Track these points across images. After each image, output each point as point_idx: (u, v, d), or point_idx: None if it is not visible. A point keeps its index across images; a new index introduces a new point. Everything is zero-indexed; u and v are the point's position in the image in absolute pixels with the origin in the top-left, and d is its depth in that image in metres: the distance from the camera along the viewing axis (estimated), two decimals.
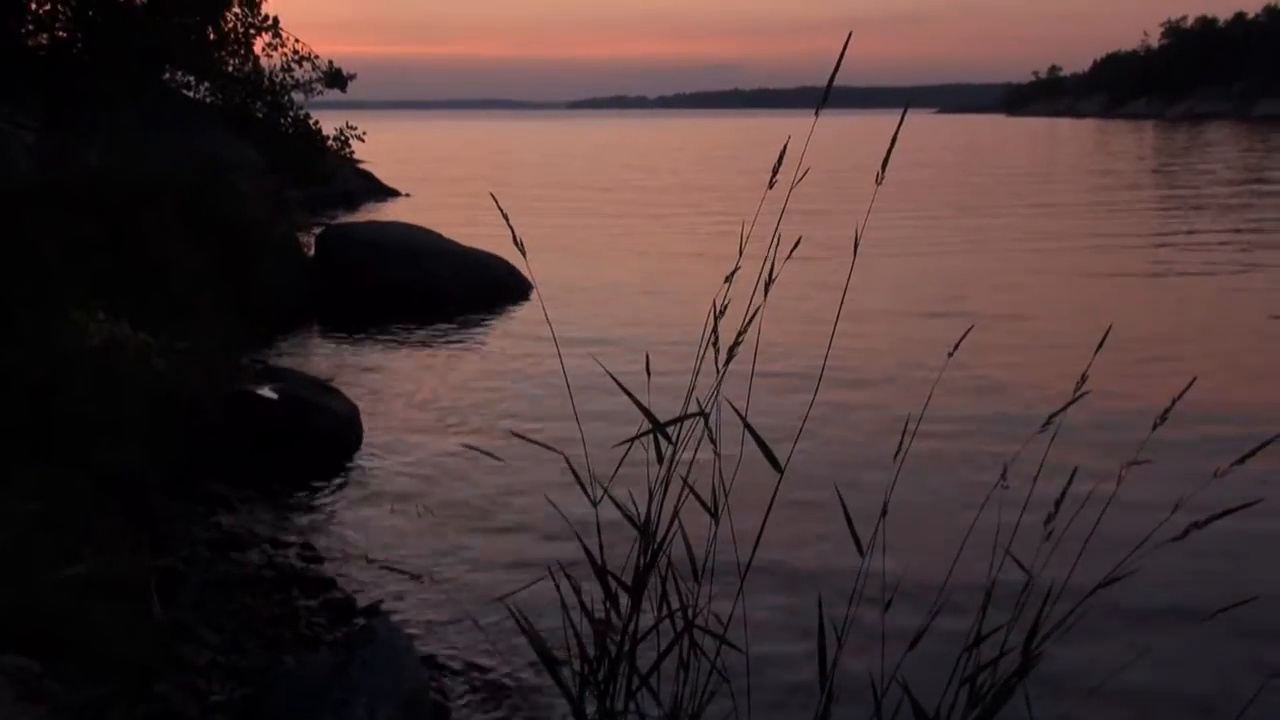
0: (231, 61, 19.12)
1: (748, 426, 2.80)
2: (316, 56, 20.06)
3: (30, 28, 17.53)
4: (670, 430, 2.92)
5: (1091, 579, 2.79)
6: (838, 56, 2.85)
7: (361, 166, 32.87)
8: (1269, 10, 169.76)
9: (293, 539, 6.72)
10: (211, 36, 18.45)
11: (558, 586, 3.00)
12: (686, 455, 2.95)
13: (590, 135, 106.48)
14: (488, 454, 6.26)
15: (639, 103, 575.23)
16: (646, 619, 2.98)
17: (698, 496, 2.91)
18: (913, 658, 2.88)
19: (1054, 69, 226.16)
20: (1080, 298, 14.93)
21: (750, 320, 2.83)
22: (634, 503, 2.97)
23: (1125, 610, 5.14)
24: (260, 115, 19.41)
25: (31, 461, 5.83)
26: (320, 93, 20.85)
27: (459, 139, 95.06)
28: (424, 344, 12.62)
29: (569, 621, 2.96)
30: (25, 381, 6.40)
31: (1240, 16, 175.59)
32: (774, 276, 2.81)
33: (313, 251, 15.61)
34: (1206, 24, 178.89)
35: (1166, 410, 2.77)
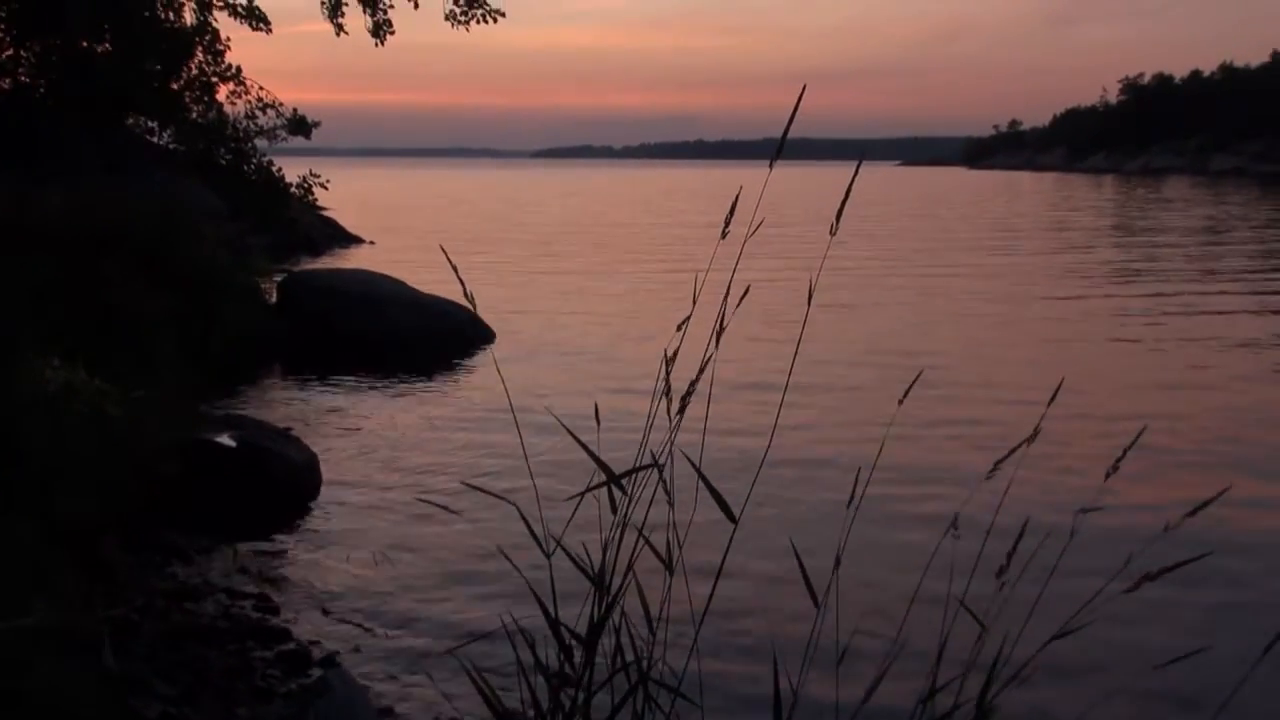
0: (195, 108, 19.12)
1: (701, 477, 2.79)
2: (280, 104, 20.09)
3: None
4: (625, 481, 2.91)
5: (1046, 629, 2.79)
6: (795, 109, 2.88)
7: (325, 213, 32.85)
8: (1224, 68, 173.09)
9: (249, 589, 6.65)
10: (174, 86, 18.46)
11: (511, 639, 2.97)
12: (641, 506, 2.94)
13: (556, 184, 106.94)
14: (441, 506, 6.23)
15: (605, 152, 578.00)
16: (601, 672, 2.95)
17: (652, 548, 2.89)
18: (868, 710, 2.86)
19: (1014, 123, 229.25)
20: (1037, 348, 15.07)
21: (703, 370, 2.84)
22: (588, 554, 2.96)
23: (1080, 660, 5.16)
24: (224, 162, 19.39)
25: None
26: (284, 139, 20.86)
27: (425, 186, 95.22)
28: (384, 392, 12.57)
29: (523, 674, 2.94)
30: None
31: (1196, 74, 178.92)
32: (724, 325, 2.82)
33: (275, 298, 15.55)
34: (1163, 81, 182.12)
35: (1118, 460, 2.78)
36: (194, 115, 19.20)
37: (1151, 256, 30.19)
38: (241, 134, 19.50)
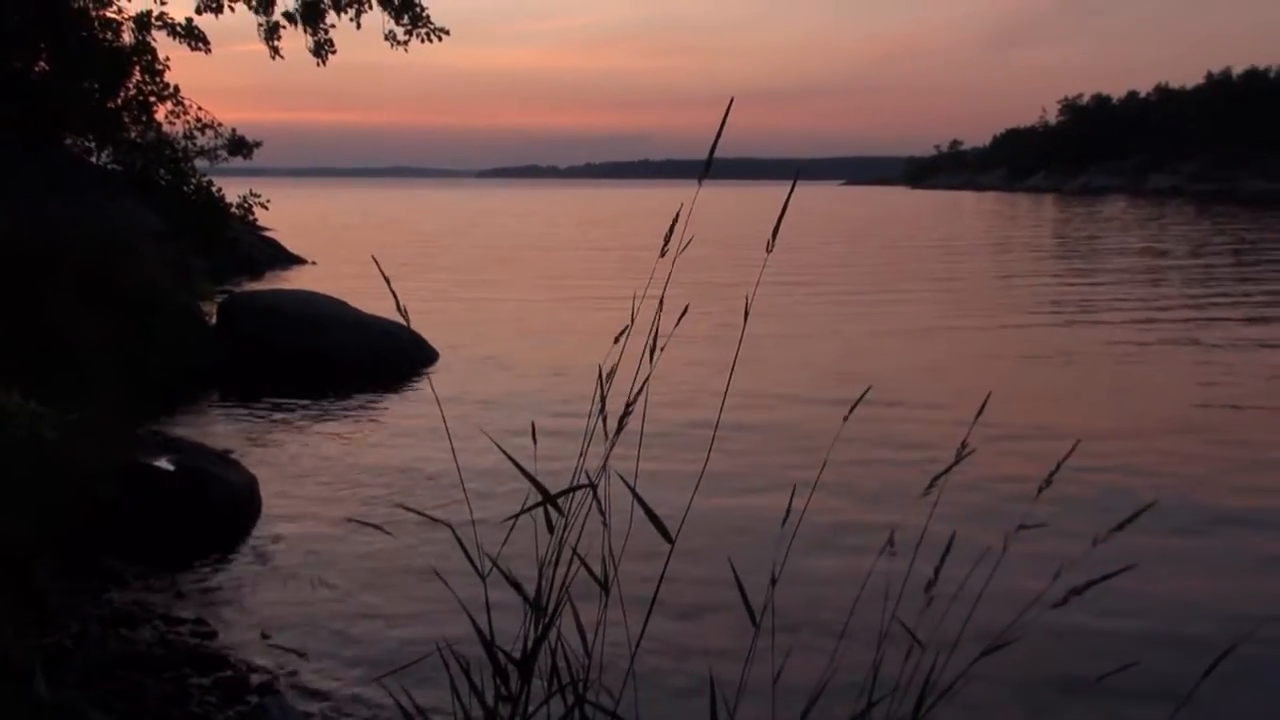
0: (133, 128, 18.90)
1: (636, 497, 2.79)
2: (219, 124, 19.90)
3: None
4: (562, 501, 2.90)
5: (980, 645, 2.82)
6: (736, 128, 2.89)
7: (267, 234, 32.55)
8: (1160, 89, 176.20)
9: (186, 615, 6.56)
10: (112, 105, 18.24)
11: (445, 663, 2.95)
12: (577, 526, 2.93)
13: (502, 204, 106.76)
14: (376, 527, 6.19)
15: (550, 172, 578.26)
16: (537, 694, 2.94)
17: (588, 568, 2.89)
18: None
19: (956, 143, 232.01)
20: (977, 367, 15.23)
21: (640, 389, 2.84)
22: (526, 576, 2.95)
23: (1010, 675, 5.20)
24: (163, 182, 19.18)
25: None
26: (225, 159, 20.67)
27: (369, 206, 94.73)
28: (325, 413, 12.47)
29: (457, 697, 2.92)
30: None
31: (1133, 95, 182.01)
32: (658, 343, 2.83)
33: (215, 319, 15.40)
34: (1101, 101, 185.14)
35: (1051, 474, 2.82)
36: (132, 135, 18.97)
37: (1091, 275, 30.62)
38: (181, 154, 19.28)
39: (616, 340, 2.93)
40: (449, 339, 16.39)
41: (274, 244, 33.34)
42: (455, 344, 16.28)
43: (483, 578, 2.91)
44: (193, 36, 18.79)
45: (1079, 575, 2.65)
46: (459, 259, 35.32)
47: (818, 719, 2.91)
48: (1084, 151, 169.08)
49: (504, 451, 3.00)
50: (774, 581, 2.89)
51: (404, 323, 3.14)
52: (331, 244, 40.45)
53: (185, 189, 19.40)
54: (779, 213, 2.86)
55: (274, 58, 19.04)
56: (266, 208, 23.55)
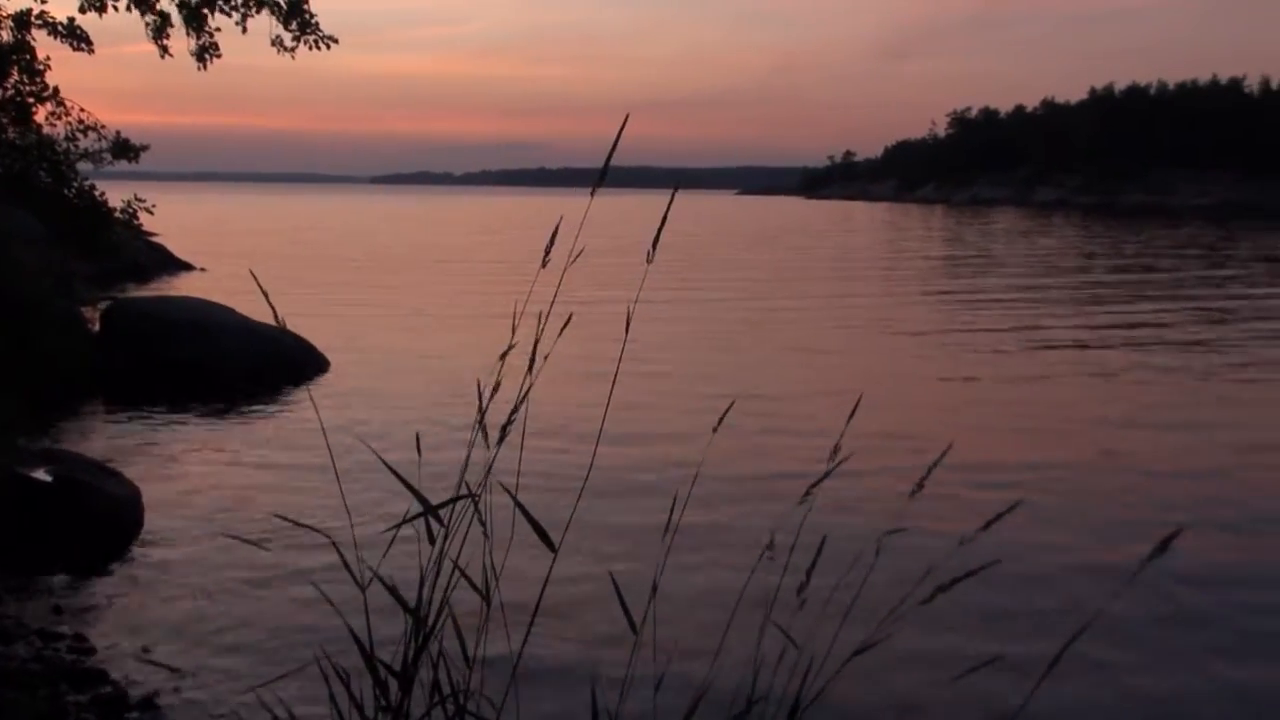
0: (11, 130, 18.35)
1: (519, 506, 2.80)
2: (103, 126, 19.39)
3: None
4: (443, 512, 2.90)
5: (854, 644, 2.88)
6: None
7: (154, 239, 31.82)
8: (1046, 104, 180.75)
9: (64, 630, 6.40)
10: None
11: (325, 674, 2.93)
12: (460, 537, 2.93)
13: (394, 211, 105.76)
14: (254, 543, 6.10)
15: (444, 179, 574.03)
16: (418, 704, 2.93)
17: (468, 579, 2.89)
18: None
19: (848, 154, 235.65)
20: (851, 370, 15.50)
21: (522, 400, 2.85)
22: (406, 586, 2.94)
23: (884, 672, 5.32)
24: (43, 185, 18.64)
25: None
26: (110, 163, 20.17)
27: (259, 211, 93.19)
28: (211, 423, 12.25)
29: (336, 709, 2.90)
30: None
31: (1020, 109, 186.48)
32: (539, 354, 2.84)
33: (98, 327, 15.03)
34: (989, 115, 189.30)
35: (922, 479, 2.89)
36: (10, 136, 18.41)
37: (977, 286, 31.30)
38: (62, 156, 18.75)
39: (502, 357, 2.94)
40: (340, 347, 16.20)
41: (161, 250, 32.63)
42: (346, 352, 16.10)
43: (362, 589, 2.90)
44: (75, 36, 18.29)
45: (947, 574, 2.72)
46: (351, 267, 34.94)
47: None
48: (972, 164, 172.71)
49: (384, 462, 2.99)
50: (655, 589, 2.91)
51: (302, 335, 3.11)
52: (221, 250, 39.71)
53: (66, 192, 18.90)
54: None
55: (163, 56, 18.60)
56: (151, 212, 23.02)
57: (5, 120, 18.01)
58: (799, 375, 15.38)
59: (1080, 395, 14.16)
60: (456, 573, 2.88)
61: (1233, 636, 6.43)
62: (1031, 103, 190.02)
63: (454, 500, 2.85)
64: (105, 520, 8.01)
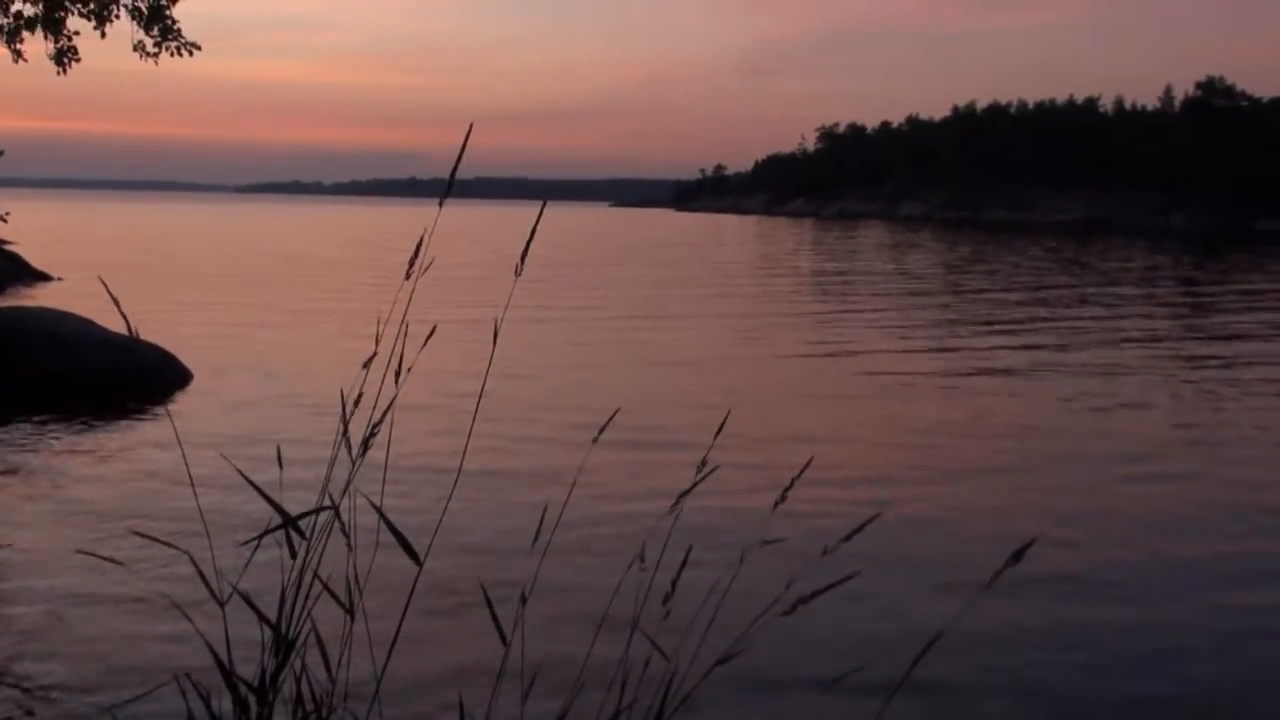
0: None
1: (383, 518, 2.78)
2: None
3: None
4: (305, 526, 2.86)
5: (718, 653, 2.92)
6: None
7: (9, 248, 30.79)
8: (911, 120, 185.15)
9: None
10: None
11: (183, 692, 2.87)
12: (324, 550, 2.89)
13: (263, 221, 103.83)
14: (107, 558, 5.93)
15: (314, 189, 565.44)
16: None
17: (331, 593, 2.86)
18: None
19: (720, 167, 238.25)
20: (721, 385, 15.67)
21: (385, 412, 2.84)
22: (268, 601, 2.89)
23: (747, 680, 5.39)
24: None
25: None
26: None
27: (121, 220, 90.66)
28: (64, 436, 11.85)
29: None
30: None
31: (886, 125, 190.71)
32: (404, 365, 2.83)
33: None
34: (857, 131, 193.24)
35: (785, 491, 2.95)
36: None
37: (845, 296, 31.90)
38: None
39: (365, 366, 2.92)
40: (204, 359, 15.83)
41: (16, 259, 31.55)
42: (210, 364, 15.73)
43: (221, 604, 2.85)
44: None
45: (809, 584, 2.78)
46: (216, 277, 34.20)
47: None
48: (841, 179, 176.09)
49: (243, 475, 2.94)
50: (524, 600, 2.92)
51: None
52: (80, 259, 38.50)
53: None
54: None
55: (16, 61, 18.03)
56: (5, 220, 22.27)
57: None
58: (670, 389, 15.50)
59: (947, 407, 14.52)
60: (314, 586, 2.85)
61: (1087, 649, 6.65)
62: (897, 119, 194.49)
63: (315, 512, 2.82)
64: None
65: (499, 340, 2.97)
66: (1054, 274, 43.83)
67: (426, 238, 2.80)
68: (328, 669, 2.87)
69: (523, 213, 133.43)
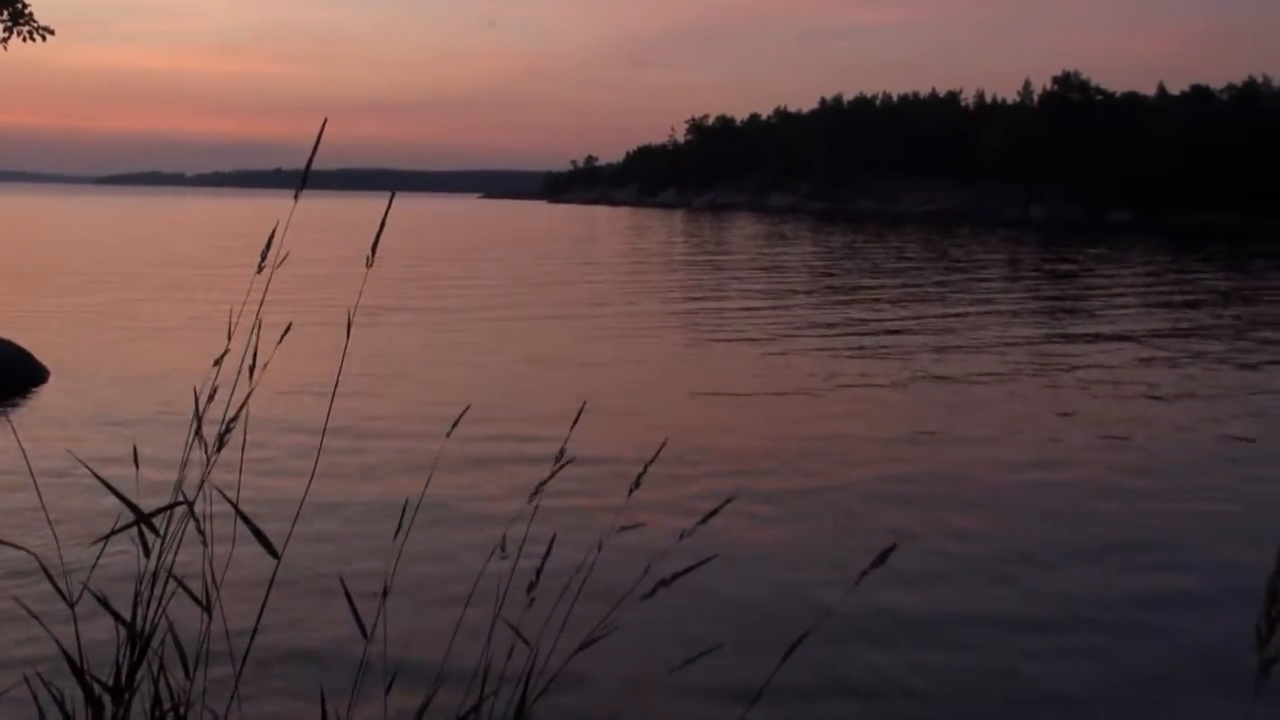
0: None
1: (239, 513, 2.75)
2: None
3: None
4: (159, 522, 2.82)
5: (580, 639, 2.95)
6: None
7: None
8: (779, 113, 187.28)
9: None
10: None
11: (34, 693, 2.81)
12: (181, 548, 2.86)
13: (122, 213, 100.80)
14: None
15: (176, 179, 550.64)
16: None
17: (187, 590, 2.82)
18: None
19: (590, 159, 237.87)
20: (583, 377, 15.75)
21: (241, 407, 2.81)
22: (122, 600, 2.84)
23: (609, 667, 5.46)
24: None
25: None
26: None
27: None
28: None
29: None
30: None
31: (755, 117, 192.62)
32: (257, 360, 2.81)
33: None
34: (726, 123, 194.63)
35: (640, 476, 2.99)
36: None
37: (717, 291, 32.20)
38: None
39: (217, 363, 2.89)
40: (60, 356, 15.36)
41: None
42: (66, 362, 15.27)
43: (71, 604, 2.79)
44: None
45: (669, 567, 2.83)
46: (71, 272, 33.13)
47: None
48: (711, 170, 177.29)
49: (93, 472, 2.89)
50: (385, 593, 2.91)
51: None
52: None
53: None
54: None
55: None
56: None
57: None
58: (532, 380, 15.52)
59: (806, 396, 14.79)
60: (168, 582, 2.81)
61: (944, 643, 6.85)
62: (766, 111, 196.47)
63: (168, 508, 2.78)
64: None
65: (365, 337, 2.96)
66: (931, 264, 44.85)
67: (280, 231, 2.78)
68: (185, 667, 2.83)
69: (394, 205, 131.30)
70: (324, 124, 2.78)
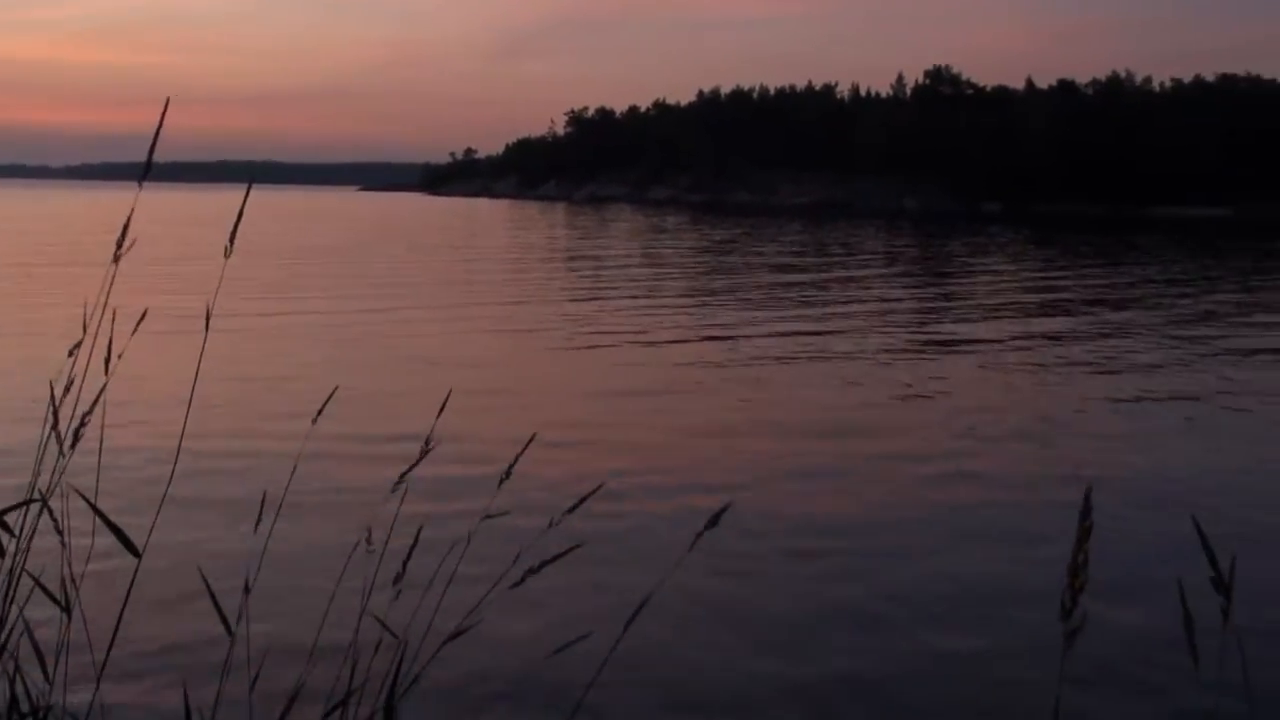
0: None
1: (96, 510, 2.71)
2: None
3: None
4: (13, 522, 2.75)
5: (449, 630, 2.96)
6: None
7: None
8: (658, 105, 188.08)
9: None
10: None
11: None
12: (35, 548, 2.79)
13: None
14: None
15: (40, 172, 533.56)
16: None
17: (45, 590, 2.76)
18: None
19: (470, 151, 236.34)
20: (457, 370, 15.68)
21: (96, 400, 2.76)
22: None
23: (478, 655, 5.46)
24: None
25: None
26: None
27: None
28: None
29: None
30: None
31: (635, 109, 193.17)
32: (115, 352, 2.76)
33: None
34: (605, 115, 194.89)
35: (510, 466, 3.01)
36: None
37: (597, 279, 32.26)
38: None
39: (71, 354, 2.83)
40: None
41: None
42: None
43: None
44: None
45: (537, 556, 2.85)
46: None
47: (298, 717, 2.93)
48: (592, 162, 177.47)
49: None
50: (247, 589, 2.89)
51: None
52: None
53: None
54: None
55: None
56: None
57: None
58: (398, 372, 15.40)
59: (664, 381, 14.97)
60: (21, 581, 2.75)
61: (790, 601, 7.02)
62: (645, 104, 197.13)
63: (22, 505, 2.72)
64: None
65: (230, 332, 2.93)
66: (812, 257, 45.48)
67: (130, 221, 2.73)
68: (44, 670, 2.77)
69: (267, 197, 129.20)
70: (166, 104, 2.73)
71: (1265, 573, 7.45)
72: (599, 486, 2.96)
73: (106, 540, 2.73)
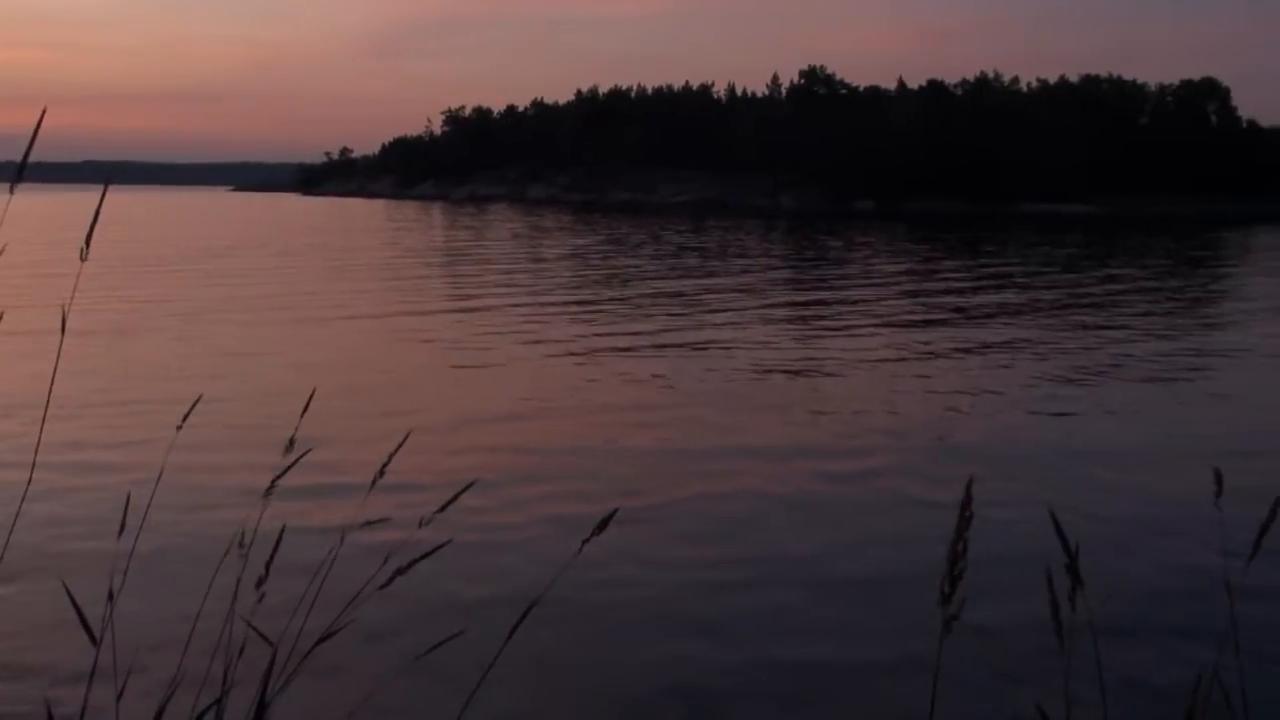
0: None
1: None
2: None
3: None
4: None
5: (319, 632, 2.94)
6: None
7: None
8: (535, 105, 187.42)
9: None
10: None
11: None
12: None
13: None
14: None
15: None
16: None
17: None
18: None
19: (345, 150, 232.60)
20: (321, 368, 15.54)
21: None
22: None
23: (353, 658, 5.43)
24: None
25: None
26: None
27: None
28: None
29: None
30: None
31: (512, 109, 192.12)
32: None
33: None
34: (482, 114, 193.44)
35: (384, 465, 2.99)
36: None
37: (473, 283, 32.08)
38: None
39: None
40: None
41: None
42: None
43: None
44: None
45: (406, 556, 2.84)
46: None
47: None
48: (469, 161, 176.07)
49: None
50: (112, 596, 2.83)
51: None
52: None
53: None
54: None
55: None
56: None
57: None
58: (264, 373, 15.18)
59: (538, 380, 14.99)
60: None
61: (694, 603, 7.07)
62: (523, 102, 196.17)
63: None
64: None
65: (91, 336, 2.87)
66: (692, 252, 45.80)
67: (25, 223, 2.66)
68: None
69: (136, 198, 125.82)
70: (43, 114, 2.66)
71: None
72: (471, 484, 2.96)
73: None
